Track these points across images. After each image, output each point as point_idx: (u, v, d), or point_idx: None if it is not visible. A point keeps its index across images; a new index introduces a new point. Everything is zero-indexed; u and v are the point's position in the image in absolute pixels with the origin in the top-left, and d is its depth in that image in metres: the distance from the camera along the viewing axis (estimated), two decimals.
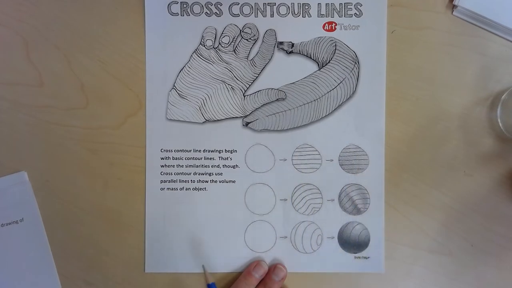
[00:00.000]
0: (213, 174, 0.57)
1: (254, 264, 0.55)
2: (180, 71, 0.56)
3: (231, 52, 0.56)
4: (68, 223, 0.56)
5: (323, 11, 0.56)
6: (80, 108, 0.56)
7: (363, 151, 0.56)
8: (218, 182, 0.57)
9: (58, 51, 0.56)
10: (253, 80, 0.56)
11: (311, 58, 0.56)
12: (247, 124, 0.56)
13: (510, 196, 0.56)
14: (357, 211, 0.56)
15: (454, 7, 0.55)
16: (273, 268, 0.55)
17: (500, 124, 0.55)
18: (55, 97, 0.56)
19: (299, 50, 0.56)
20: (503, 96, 0.54)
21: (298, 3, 0.55)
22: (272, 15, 0.56)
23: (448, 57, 0.55)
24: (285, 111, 0.56)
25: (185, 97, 0.56)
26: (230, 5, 0.56)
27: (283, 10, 0.56)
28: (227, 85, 0.56)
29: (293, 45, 0.56)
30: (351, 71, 0.56)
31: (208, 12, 0.56)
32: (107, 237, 0.57)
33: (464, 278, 0.56)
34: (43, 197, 0.56)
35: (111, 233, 0.57)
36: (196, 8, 0.56)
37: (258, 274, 0.54)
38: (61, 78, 0.56)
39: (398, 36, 0.56)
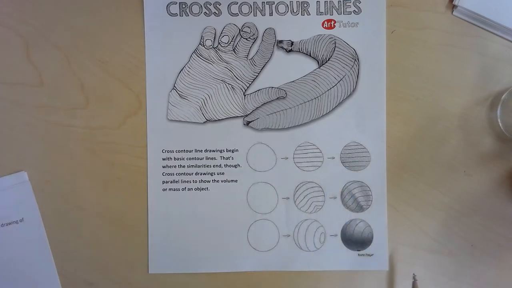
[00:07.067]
0: (215, 174, 0.57)
1: None
2: (180, 71, 0.56)
3: (231, 52, 0.56)
4: (68, 223, 0.56)
5: (322, 9, 0.56)
6: (80, 108, 0.56)
7: (365, 148, 0.56)
8: (220, 181, 0.57)
9: (58, 51, 0.56)
10: (253, 79, 0.56)
11: (310, 56, 0.56)
12: (248, 123, 0.56)
13: (510, 196, 0.56)
14: (359, 208, 0.56)
15: (454, 7, 0.55)
16: None
17: (500, 124, 0.55)
18: (55, 97, 0.56)
19: (299, 49, 0.56)
20: (503, 96, 0.54)
21: (296, 1, 0.56)
22: (271, 14, 0.56)
23: (448, 57, 0.56)
24: (285, 109, 0.56)
25: (185, 98, 0.56)
26: (228, 5, 0.56)
27: (282, 8, 0.56)
28: (227, 84, 0.56)
29: (292, 43, 0.56)
30: (351, 69, 0.56)
31: (207, 12, 0.56)
32: (108, 237, 0.57)
33: (464, 278, 0.56)
34: (43, 197, 0.56)
35: (111, 233, 0.57)
36: (195, 8, 0.56)
37: None
38: (61, 78, 0.56)
39: (398, 36, 0.56)
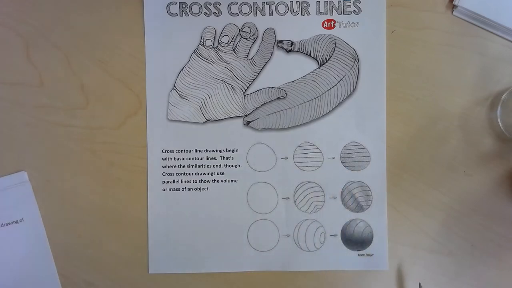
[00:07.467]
0: (215, 174, 0.57)
1: None
2: (180, 71, 0.56)
3: (231, 52, 0.56)
4: (68, 223, 0.56)
5: (322, 9, 0.56)
6: (80, 108, 0.56)
7: (365, 148, 0.56)
8: (220, 181, 0.57)
9: (58, 51, 0.56)
10: (253, 79, 0.56)
11: (310, 56, 0.56)
12: (248, 123, 0.56)
13: (510, 196, 0.56)
14: (359, 208, 0.56)
15: (454, 7, 0.55)
16: None
17: (500, 124, 0.55)
18: (55, 97, 0.56)
19: (299, 49, 0.56)
20: (503, 96, 0.54)
21: (296, 1, 0.56)
22: (271, 14, 0.56)
23: (448, 57, 0.55)
24: (285, 109, 0.56)
25: (185, 98, 0.56)
26: (228, 5, 0.56)
27: (282, 8, 0.56)
28: (227, 84, 0.56)
29: (292, 43, 0.56)
30: (351, 69, 0.56)
31: (207, 12, 0.56)
32: (108, 237, 0.56)
33: (464, 278, 0.56)
34: (43, 197, 0.56)
35: (111, 233, 0.56)
36: (195, 8, 0.56)
37: None
38: (61, 78, 0.56)
39: (398, 36, 0.56)
